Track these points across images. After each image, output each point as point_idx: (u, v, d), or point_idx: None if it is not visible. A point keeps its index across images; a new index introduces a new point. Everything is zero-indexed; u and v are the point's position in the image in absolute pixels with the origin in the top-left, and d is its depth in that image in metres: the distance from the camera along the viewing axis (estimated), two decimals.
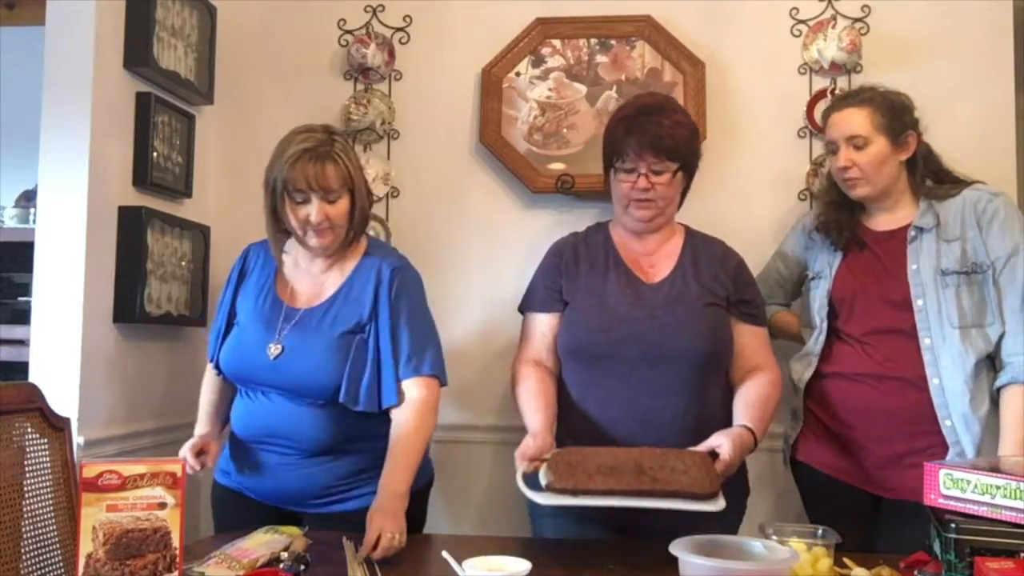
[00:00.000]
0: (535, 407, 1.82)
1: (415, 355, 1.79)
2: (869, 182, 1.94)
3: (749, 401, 1.83)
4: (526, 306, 2.00)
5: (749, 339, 1.92)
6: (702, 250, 1.95)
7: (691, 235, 1.99)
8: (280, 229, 1.84)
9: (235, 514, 1.82)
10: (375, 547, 1.55)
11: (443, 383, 1.85)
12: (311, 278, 1.86)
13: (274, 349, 1.78)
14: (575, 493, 1.50)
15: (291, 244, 1.88)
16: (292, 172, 1.73)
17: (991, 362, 1.89)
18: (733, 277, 1.93)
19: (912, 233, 1.94)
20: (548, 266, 1.99)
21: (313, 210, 1.75)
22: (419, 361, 1.79)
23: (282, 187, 1.75)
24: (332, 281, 1.85)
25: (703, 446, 1.70)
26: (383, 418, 1.78)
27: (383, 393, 1.77)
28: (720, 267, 1.93)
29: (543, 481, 1.54)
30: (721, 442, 1.69)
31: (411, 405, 1.77)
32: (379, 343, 1.79)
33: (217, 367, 1.89)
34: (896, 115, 1.94)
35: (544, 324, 1.94)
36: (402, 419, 1.76)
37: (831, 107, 2.03)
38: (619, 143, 1.87)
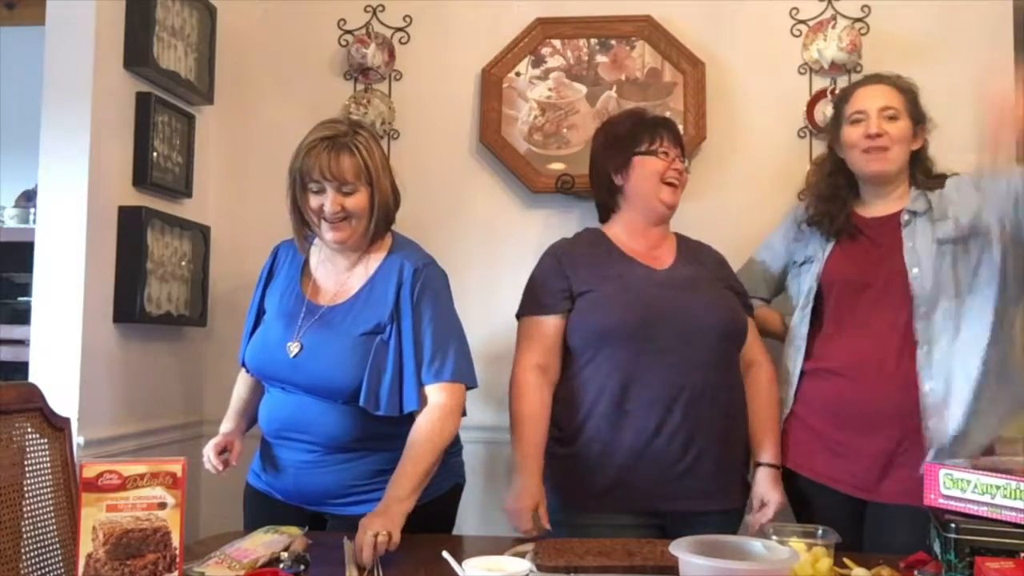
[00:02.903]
0: (529, 443, 1.86)
1: (436, 359, 1.75)
2: (893, 156, 1.94)
3: (763, 422, 1.96)
4: (527, 310, 1.96)
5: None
6: (694, 249, 2.04)
7: (681, 238, 2.06)
8: (304, 222, 1.81)
9: (262, 515, 1.81)
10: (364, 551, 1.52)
11: (470, 386, 1.81)
12: (336, 275, 1.84)
13: (293, 347, 1.76)
14: (567, 571, 1.48)
15: (319, 241, 1.85)
16: (307, 160, 1.72)
17: (982, 334, 1.84)
18: (725, 272, 2.03)
19: (906, 217, 1.94)
20: (550, 267, 1.96)
21: (327, 200, 1.73)
22: (441, 365, 1.75)
23: (299, 176, 1.74)
24: (356, 280, 1.82)
25: (756, 508, 1.88)
26: (406, 418, 1.74)
27: (405, 398, 1.74)
28: (712, 261, 2.02)
29: (532, 563, 1.51)
30: (768, 496, 1.88)
31: (430, 411, 1.73)
32: (401, 346, 1.75)
33: (244, 365, 1.89)
34: (917, 105, 1.99)
35: (550, 326, 1.91)
36: (418, 425, 1.72)
37: (860, 82, 2.06)
38: (651, 129, 1.97)
